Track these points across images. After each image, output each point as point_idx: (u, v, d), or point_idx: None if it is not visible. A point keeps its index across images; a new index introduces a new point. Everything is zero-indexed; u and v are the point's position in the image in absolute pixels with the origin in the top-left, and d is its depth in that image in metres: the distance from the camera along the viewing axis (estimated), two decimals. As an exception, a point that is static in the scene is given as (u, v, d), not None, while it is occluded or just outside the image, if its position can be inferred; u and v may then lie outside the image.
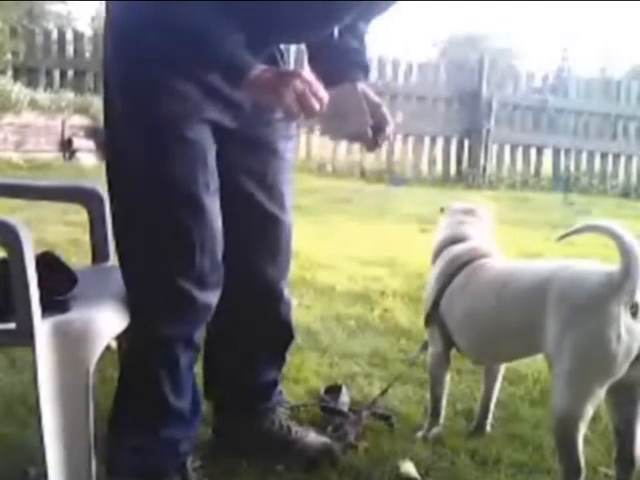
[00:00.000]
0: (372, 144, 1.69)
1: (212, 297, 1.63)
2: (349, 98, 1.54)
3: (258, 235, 1.78)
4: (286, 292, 1.88)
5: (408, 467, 1.85)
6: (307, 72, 1.43)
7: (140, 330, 1.63)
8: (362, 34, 1.76)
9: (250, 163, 1.73)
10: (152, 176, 1.54)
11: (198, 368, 1.79)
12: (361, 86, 1.71)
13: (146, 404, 1.65)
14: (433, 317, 1.98)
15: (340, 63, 1.68)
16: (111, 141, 1.61)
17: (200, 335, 1.67)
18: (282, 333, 1.92)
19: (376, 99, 1.72)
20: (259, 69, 1.42)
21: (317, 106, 1.42)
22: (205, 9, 1.39)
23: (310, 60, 1.76)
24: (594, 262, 1.70)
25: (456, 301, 1.93)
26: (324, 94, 1.43)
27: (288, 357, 2.02)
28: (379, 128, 1.67)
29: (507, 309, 1.77)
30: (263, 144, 1.74)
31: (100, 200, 2.00)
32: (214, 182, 1.60)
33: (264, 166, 1.75)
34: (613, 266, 1.57)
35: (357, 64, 1.73)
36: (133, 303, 1.63)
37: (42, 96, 7.51)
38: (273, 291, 1.85)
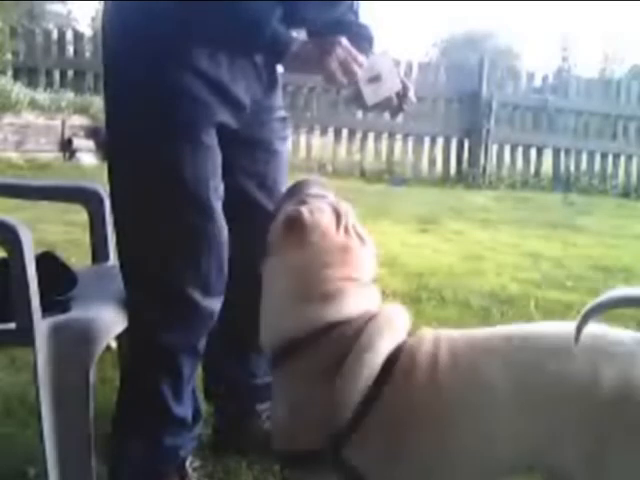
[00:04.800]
0: (397, 109, 1.72)
1: (216, 304, 1.62)
2: (382, 61, 1.61)
3: (259, 236, 1.78)
4: None
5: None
6: (344, 40, 1.50)
7: (141, 337, 1.62)
8: (357, 8, 1.79)
9: (251, 164, 1.73)
10: (163, 179, 1.52)
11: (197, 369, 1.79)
12: None
13: (148, 412, 1.64)
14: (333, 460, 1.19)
15: (348, 37, 1.70)
16: (116, 142, 1.59)
17: (203, 343, 1.65)
18: None
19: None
20: (299, 42, 1.49)
21: (358, 71, 1.49)
22: None
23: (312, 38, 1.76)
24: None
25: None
26: (362, 58, 1.51)
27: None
28: (402, 93, 1.72)
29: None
30: (263, 145, 1.74)
31: (100, 200, 2.00)
32: (220, 188, 1.60)
33: (264, 167, 1.75)
34: None
35: (362, 36, 1.74)
36: (135, 309, 1.62)
37: (42, 96, 7.51)
38: None
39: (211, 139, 1.55)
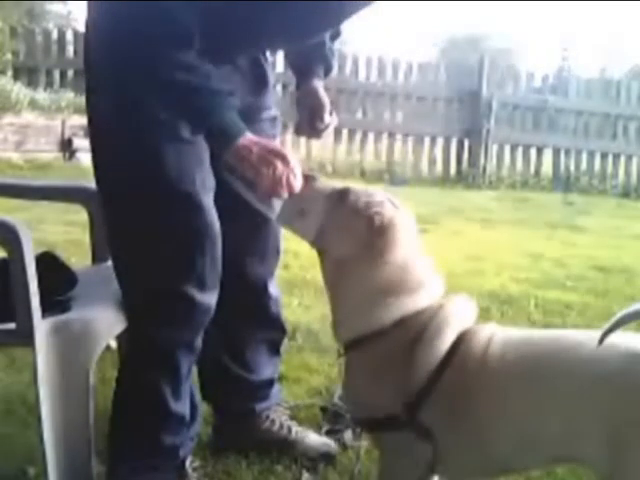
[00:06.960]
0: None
1: (211, 298, 1.62)
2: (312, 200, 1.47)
3: (247, 235, 1.78)
4: (274, 290, 1.88)
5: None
6: (290, 153, 1.43)
7: (138, 335, 1.62)
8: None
9: None
10: (148, 176, 1.52)
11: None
12: (318, 83, 1.72)
13: (146, 410, 1.64)
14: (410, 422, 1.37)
15: (308, 58, 1.70)
16: (100, 142, 1.59)
17: (200, 340, 1.65)
18: (274, 330, 1.92)
19: (325, 99, 1.74)
20: (246, 138, 1.41)
21: (285, 194, 1.42)
22: (205, 66, 1.40)
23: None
24: None
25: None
26: (299, 181, 1.43)
27: (288, 357, 2.01)
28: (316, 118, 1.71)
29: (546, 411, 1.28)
30: None
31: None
32: (210, 181, 1.59)
33: None
34: None
35: (322, 59, 1.74)
36: (130, 308, 1.62)
37: (42, 96, 7.52)
38: (262, 289, 1.85)
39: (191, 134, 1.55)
